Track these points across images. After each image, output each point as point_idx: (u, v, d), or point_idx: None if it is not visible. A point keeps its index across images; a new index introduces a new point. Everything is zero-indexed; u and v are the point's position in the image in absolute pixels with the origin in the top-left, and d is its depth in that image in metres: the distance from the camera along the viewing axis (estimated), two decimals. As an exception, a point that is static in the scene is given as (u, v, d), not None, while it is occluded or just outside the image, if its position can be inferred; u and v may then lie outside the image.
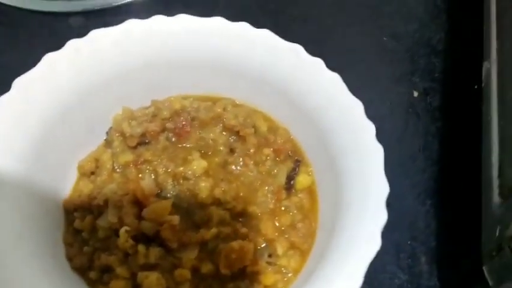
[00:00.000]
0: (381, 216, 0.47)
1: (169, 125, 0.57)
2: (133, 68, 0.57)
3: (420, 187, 0.65)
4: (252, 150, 0.56)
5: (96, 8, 0.73)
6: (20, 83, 0.52)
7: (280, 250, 0.52)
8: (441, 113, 0.71)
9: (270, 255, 0.53)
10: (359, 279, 0.44)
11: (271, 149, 0.57)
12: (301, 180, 0.56)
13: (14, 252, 0.46)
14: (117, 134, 0.56)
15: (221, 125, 0.57)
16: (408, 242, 0.62)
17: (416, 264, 0.60)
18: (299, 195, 0.56)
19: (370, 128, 0.51)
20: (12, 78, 0.52)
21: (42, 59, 0.53)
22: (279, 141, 0.57)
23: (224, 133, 0.58)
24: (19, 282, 0.45)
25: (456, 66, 0.74)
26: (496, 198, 0.50)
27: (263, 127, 0.59)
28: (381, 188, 0.48)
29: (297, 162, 0.57)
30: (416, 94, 0.73)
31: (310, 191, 0.56)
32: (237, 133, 0.57)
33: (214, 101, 0.60)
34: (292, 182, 0.56)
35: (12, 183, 0.50)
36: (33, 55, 0.54)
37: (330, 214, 0.52)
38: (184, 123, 0.56)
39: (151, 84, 0.59)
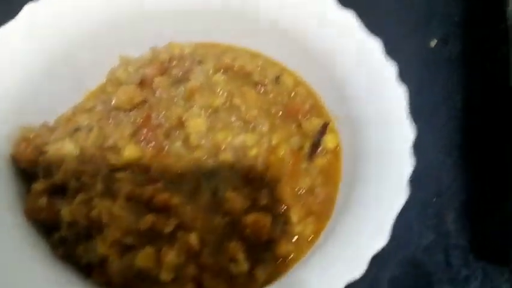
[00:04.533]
0: (407, 164, 0.42)
1: (174, 71, 0.51)
2: (125, 18, 0.52)
3: (444, 140, 0.60)
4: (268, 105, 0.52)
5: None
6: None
7: (295, 217, 0.47)
8: (463, 60, 0.65)
9: (284, 223, 0.48)
10: (386, 233, 0.39)
11: (292, 107, 0.52)
12: (328, 140, 0.51)
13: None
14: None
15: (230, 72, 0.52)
16: (434, 199, 0.56)
17: (443, 222, 0.55)
18: (325, 157, 0.50)
19: (390, 67, 0.46)
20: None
21: (22, 10, 0.48)
22: (300, 98, 0.53)
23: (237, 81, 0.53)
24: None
25: (477, 7, 0.68)
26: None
27: (289, 81, 0.54)
28: (406, 131, 0.43)
29: (325, 126, 0.51)
30: (435, 41, 0.67)
31: (335, 153, 0.51)
32: (255, 83, 0.53)
33: (224, 49, 0.55)
34: (317, 145, 0.50)
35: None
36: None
37: (351, 171, 0.47)
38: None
39: (148, 35, 0.54)
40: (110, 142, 0.48)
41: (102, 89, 0.54)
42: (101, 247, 0.42)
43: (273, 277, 0.44)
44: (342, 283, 0.37)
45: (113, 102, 0.50)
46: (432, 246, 0.54)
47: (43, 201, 0.44)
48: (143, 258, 0.42)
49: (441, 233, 0.55)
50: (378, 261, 0.48)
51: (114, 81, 0.53)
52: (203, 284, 0.44)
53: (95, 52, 0.53)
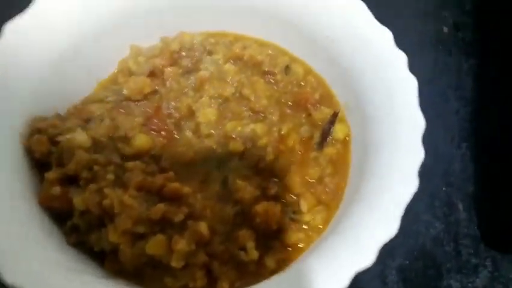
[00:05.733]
0: (417, 154, 0.42)
1: (185, 61, 0.52)
2: (135, 8, 0.52)
3: (454, 129, 0.60)
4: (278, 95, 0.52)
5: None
6: (11, 30, 0.47)
7: (305, 206, 0.48)
8: (474, 48, 0.65)
9: (294, 212, 0.48)
10: (396, 224, 0.39)
11: (302, 96, 0.52)
12: (338, 130, 0.51)
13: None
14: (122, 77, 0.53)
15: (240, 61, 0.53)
16: (444, 189, 0.56)
17: (452, 212, 0.55)
18: (335, 147, 0.50)
19: (400, 57, 0.46)
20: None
21: (34, 3, 0.48)
22: (310, 88, 0.53)
23: (247, 71, 0.53)
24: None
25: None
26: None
27: (299, 70, 0.54)
28: (416, 121, 0.43)
29: (335, 115, 0.51)
30: (446, 29, 0.66)
31: (345, 143, 0.51)
32: (265, 72, 0.53)
33: (234, 38, 0.55)
34: (327, 134, 0.51)
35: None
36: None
37: (361, 161, 0.47)
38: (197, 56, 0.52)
39: (159, 24, 0.54)
40: (121, 132, 0.49)
41: (113, 80, 0.54)
42: (112, 236, 0.43)
43: (282, 265, 0.45)
44: (351, 272, 0.37)
45: (124, 92, 0.50)
46: (442, 236, 0.54)
47: (56, 190, 0.45)
48: (154, 246, 0.43)
49: (451, 223, 0.55)
50: (387, 251, 0.48)
51: (125, 72, 0.53)
52: (213, 271, 0.44)
53: (106, 42, 0.53)
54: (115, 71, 0.55)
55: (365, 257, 0.38)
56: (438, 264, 0.53)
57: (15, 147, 0.46)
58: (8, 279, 0.36)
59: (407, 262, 0.53)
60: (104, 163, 0.46)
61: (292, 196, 0.48)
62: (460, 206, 0.56)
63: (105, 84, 0.54)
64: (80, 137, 0.47)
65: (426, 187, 0.54)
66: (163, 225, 0.44)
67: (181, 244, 0.42)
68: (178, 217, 0.44)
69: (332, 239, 0.42)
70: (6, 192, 0.42)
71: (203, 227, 0.43)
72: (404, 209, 0.40)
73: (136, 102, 0.51)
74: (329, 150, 0.50)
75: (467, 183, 0.57)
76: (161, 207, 0.43)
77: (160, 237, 0.43)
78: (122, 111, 0.50)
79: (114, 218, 0.43)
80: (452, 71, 0.63)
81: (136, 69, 0.52)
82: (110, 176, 0.45)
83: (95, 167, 0.45)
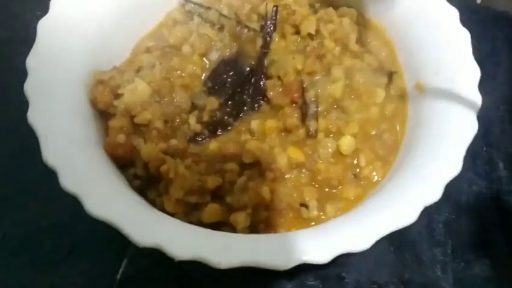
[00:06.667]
0: (475, 100, 0.43)
1: None
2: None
3: (492, 93, 0.61)
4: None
5: None
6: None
7: (363, 161, 0.48)
8: (507, 19, 0.67)
9: (354, 166, 0.49)
10: (459, 162, 0.41)
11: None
12: (394, 85, 0.52)
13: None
14: None
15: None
16: (484, 149, 0.58)
17: (493, 170, 0.57)
18: (393, 103, 0.51)
19: (451, 11, 0.47)
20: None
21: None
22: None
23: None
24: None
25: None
26: None
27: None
28: (472, 69, 0.44)
29: (391, 74, 0.52)
30: (479, 0, 0.68)
31: (402, 97, 0.51)
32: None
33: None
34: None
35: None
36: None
37: (416, 114, 0.49)
38: None
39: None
40: (176, 72, 0.51)
41: (157, 31, 0.56)
42: (168, 205, 0.44)
43: (342, 212, 0.46)
44: (420, 206, 0.38)
45: (170, 41, 0.53)
46: (484, 192, 0.55)
47: (121, 137, 0.45)
48: (210, 214, 0.43)
49: (493, 180, 0.56)
50: (433, 206, 0.50)
51: (169, 24, 0.55)
52: (272, 221, 0.45)
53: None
54: (158, 24, 0.57)
55: (433, 192, 0.39)
56: (482, 218, 0.54)
57: (81, 99, 0.47)
58: (92, 210, 0.37)
59: (453, 216, 0.54)
60: (173, 114, 0.48)
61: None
62: (501, 165, 0.57)
63: (150, 35, 0.56)
64: (141, 85, 0.48)
65: (467, 147, 0.57)
66: (218, 191, 0.45)
67: (241, 218, 0.43)
68: (241, 179, 0.45)
69: (398, 178, 0.43)
70: (76, 138, 0.43)
71: (265, 191, 0.44)
72: (466, 149, 0.41)
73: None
74: (388, 107, 0.51)
75: (507, 144, 0.58)
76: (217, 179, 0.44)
77: (213, 206, 0.44)
78: (170, 58, 0.52)
79: (169, 186, 0.44)
80: (487, 39, 0.65)
81: (182, 19, 0.55)
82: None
83: (160, 120, 0.47)
